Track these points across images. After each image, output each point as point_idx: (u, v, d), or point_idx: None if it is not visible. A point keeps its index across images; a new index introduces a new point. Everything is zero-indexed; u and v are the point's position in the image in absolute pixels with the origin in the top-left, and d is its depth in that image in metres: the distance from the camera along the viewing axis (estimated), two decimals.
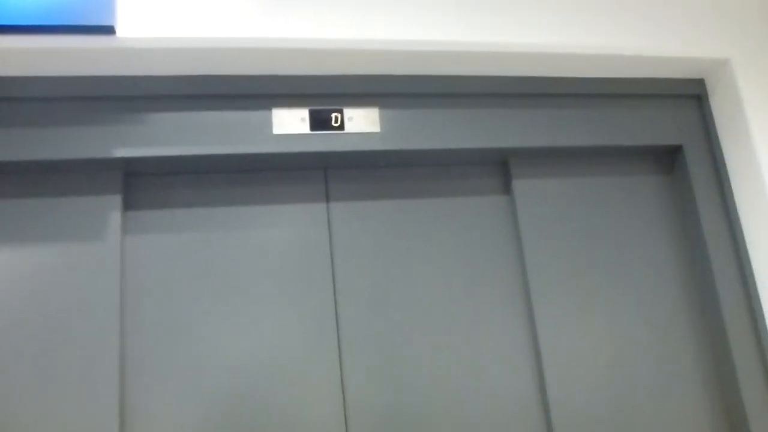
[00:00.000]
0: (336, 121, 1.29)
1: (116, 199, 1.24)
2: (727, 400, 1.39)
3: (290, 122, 1.29)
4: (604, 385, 1.35)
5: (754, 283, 1.40)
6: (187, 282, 1.26)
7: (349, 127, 1.30)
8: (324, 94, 1.32)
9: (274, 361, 1.28)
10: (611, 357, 1.38)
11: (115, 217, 1.23)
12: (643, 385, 1.37)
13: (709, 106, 1.51)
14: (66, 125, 1.23)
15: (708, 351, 1.43)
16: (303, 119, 1.29)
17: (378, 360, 1.31)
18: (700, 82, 1.52)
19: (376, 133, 1.32)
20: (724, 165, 1.47)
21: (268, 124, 1.28)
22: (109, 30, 1.15)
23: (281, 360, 1.28)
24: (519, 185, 1.41)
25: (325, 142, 1.29)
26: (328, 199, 1.35)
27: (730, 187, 1.46)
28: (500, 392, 1.33)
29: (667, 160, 1.52)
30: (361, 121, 1.31)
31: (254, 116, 1.28)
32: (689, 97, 1.52)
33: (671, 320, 1.43)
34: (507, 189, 1.44)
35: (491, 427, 1.31)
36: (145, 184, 1.29)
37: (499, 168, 1.45)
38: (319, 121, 1.29)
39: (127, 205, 1.26)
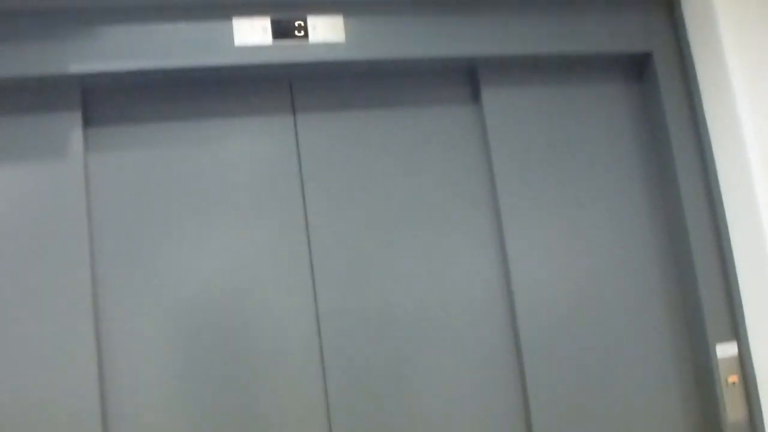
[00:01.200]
0: (299, 31, 1.26)
1: (76, 116, 1.21)
2: (686, 294, 1.44)
3: (252, 32, 1.25)
4: (568, 287, 1.39)
5: (719, 191, 1.42)
6: (154, 198, 1.25)
7: (313, 37, 1.27)
8: (286, 2, 1.27)
9: (246, 276, 1.29)
10: (576, 262, 1.41)
11: (77, 134, 1.20)
12: (605, 286, 1.41)
13: (680, 12, 1.49)
14: (20, 41, 1.18)
15: (669, 254, 1.46)
16: (265, 29, 1.25)
17: (349, 269, 1.33)
18: None
19: (341, 42, 1.28)
20: (694, 73, 1.46)
21: (229, 34, 1.24)
22: None
23: (252, 274, 1.29)
24: (488, 94, 1.40)
25: (289, 52, 1.26)
26: (294, 111, 1.33)
27: (699, 94, 1.46)
28: (468, 296, 1.36)
29: (636, 68, 1.51)
30: (325, 30, 1.27)
31: (214, 27, 1.24)
32: (659, 3, 1.49)
33: (636, 227, 1.46)
34: (476, 98, 1.42)
35: (459, 329, 1.36)
36: (105, 100, 1.26)
37: (467, 77, 1.43)
38: (282, 31, 1.25)
39: (88, 122, 1.24)
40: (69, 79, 1.20)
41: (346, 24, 1.29)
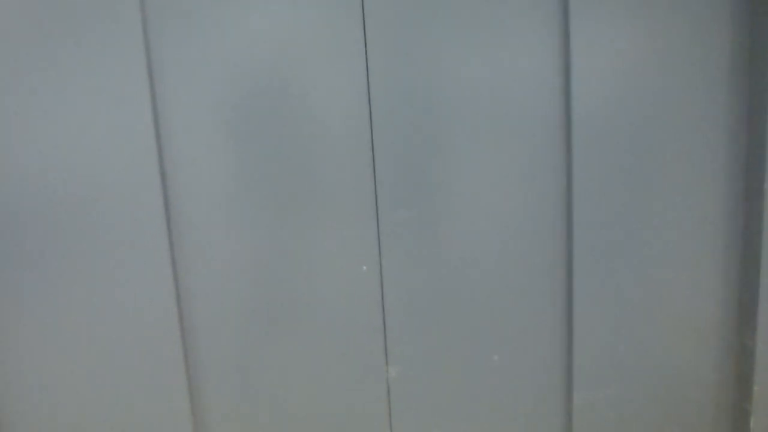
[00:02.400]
0: None
1: None
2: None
3: None
4: (627, 84, 1.61)
5: None
6: None
7: None
8: None
9: (300, 42, 1.52)
10: (640, 63, 1.60)
11: None
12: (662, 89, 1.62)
13: None
14: None
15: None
16: None
17: (401, 41, 1.55)
18: None
19: None
20: None
21: None
22: None
23: (307, 40, 1.52)
24: None
25: None
26: None
27: None
28: (523, 83, 1.60)
29: None
30: None
31: None
32: None
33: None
34: None
35: (509, 114, 1.60)
36: None
37: None
38: None
39: None
40: None
41: None
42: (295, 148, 1.59)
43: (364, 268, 1.69)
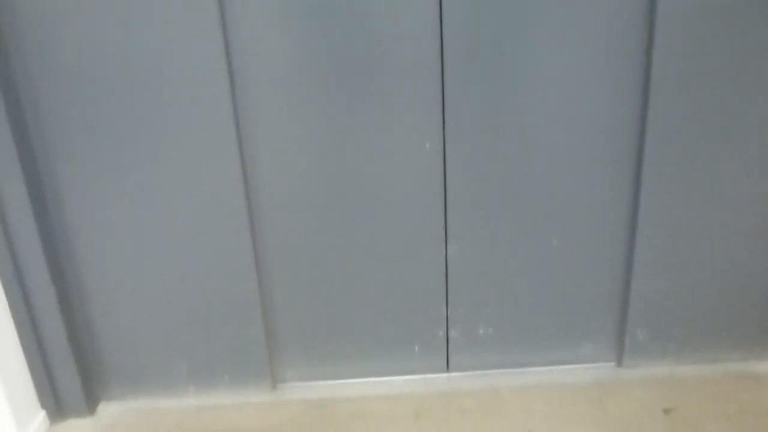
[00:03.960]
0: None
1: None
2: None
3: None
4: None
5: None
6: None
7: None
8: None
9: None
10: None
11: None
12: None
13: None
14: None
15: None
16: None
17: None
18: None
19: None
20: None
21: None
22: None
23: None
24: None
25: None
26: None
27: None
28: None
29: None
30: None
31: None
32: None
33: None
34: None
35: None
36: None
37: None
38: None
39: None
40: None
41: None
42: (360, 24, 1.58)
43: (427, 145, 1.70)
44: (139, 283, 1.82)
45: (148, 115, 1.64)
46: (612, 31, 1.62)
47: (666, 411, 1.75)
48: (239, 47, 1.59)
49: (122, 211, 1.74)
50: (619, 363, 1.96)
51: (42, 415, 1.84)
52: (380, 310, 1.89)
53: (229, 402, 1.91)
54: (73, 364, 1.82)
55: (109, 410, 1.92)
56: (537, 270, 1.86)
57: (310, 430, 1.77)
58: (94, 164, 1.68)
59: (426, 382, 1.95)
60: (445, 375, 1.97)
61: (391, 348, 1.94)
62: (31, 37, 1.55)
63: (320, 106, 1.67)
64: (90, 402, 1.89)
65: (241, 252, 1.78)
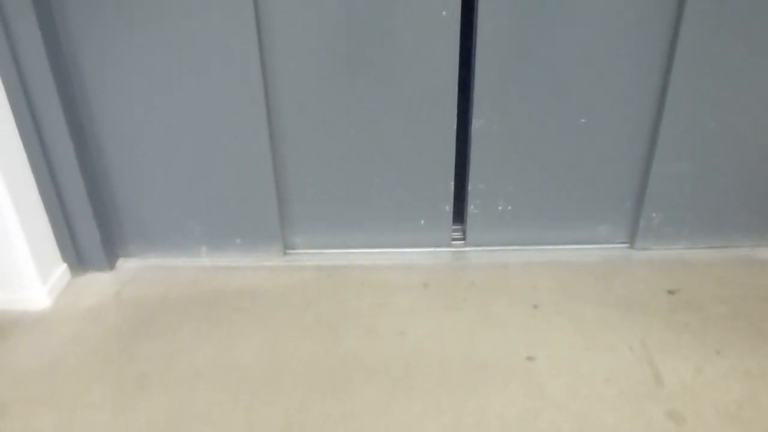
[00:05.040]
0: None
1: None
2: None
3: None
4: None
5: None
6: None
7: None
8: None
9: None
10: None
11: None
12: None
13: None
14: None
15: None
16: None
17: None
18: None
19: None
20: None
21: None
22: None
23: None
24: None
25: None
26: None
27: None
28: None
29: None
30: None
31: None
32: None
33: None
34: None
35: None
36: None
37: None
38: None
39: None
40: None
41: None
42: None
43: (444, 13, 1.60)
44: (155, 144, 1.81)
45: None
46: None
47: (670, 292, 1.79)
48: None
49: (139, 73, 1.70)
50: (632, 245, 1.98)
51: (63, 267, 1.91)
52: (390, 182, 1.89)
53: (242, 264, 1.97)
54: (92, 219, 1.86)
55: (127, 266, 1.99)
56: (561, 149, 1.83)
57: (321, 294, 1.83)
58: (112, 22, 1.62)
59: (436, 255, 1.99)
60: (454, 249, 2.01)
61: (400, 220, 1.96)
62: None
63: None
64: (109, 257, 1.96)
65: (254, 117, 1.75)
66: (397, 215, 1.95)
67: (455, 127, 1.79)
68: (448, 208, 1.93)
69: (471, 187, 1.89)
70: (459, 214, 2.00)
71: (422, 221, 1.96)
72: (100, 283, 1.92)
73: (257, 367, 1.57)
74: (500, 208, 1.92)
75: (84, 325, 1.74)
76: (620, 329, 1.65)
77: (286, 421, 1.41)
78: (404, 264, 1.95)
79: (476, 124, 1.78)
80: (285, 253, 2.00)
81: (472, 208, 1.93)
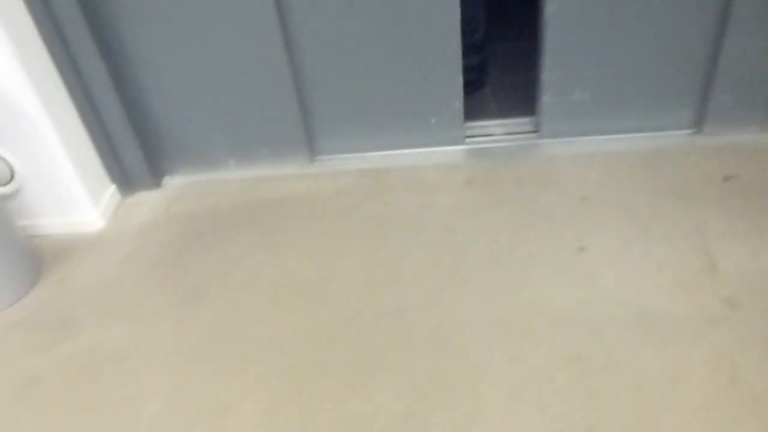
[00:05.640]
0: None
1: None
2: None
3: None
4: None
5: None
6: None
7: None
8: None
9: None
10: None
11: None
12: None
13: None
14: None
15: None
16: None
17: None
18: None
19: None
20: None
21: None
22: None
23: None
24: None
25: None
26: None
27: None
28: None
29: None
30: None
31: None
32: None
33: None
34: None
35: None
36: None
37: None
38: None
39: None
40: None
41: None
42: None
43: None
44: (182, 62, 1.80)
45: None
46: None
47: (725, 178, 1.72)
48: None
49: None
50: (700, 130, 1.88)
51: (112, 189, 1.95)
52: (411, 81, 1.84)
53: (277, 173, 1.97)
54: (134, 140, 1.88)
55: (173, 183, 2.02)
56: (633, 32, 1.72)
57: (365, 197, 1.82)
58: None
59: (477, 152, 1.95)
60: (497, 144, 1.96)
61: (410, 121, 1.93)
62: None
63: None
64: (155, 176, 1.99)
65: (270, 29, 1.71)
66: (410, 115, 1.91)
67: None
68: (458, 104, 1.88)
69: (546, 75, 1.81)
70: (530, 105, 1.94)
71: (433, 119, 1.92)
72: (148, 201, 1.96)
73: (309, 271, 1.60)
74: (575, 96, 1.85)
75: (138, 242, 1.79)
76: (674, 217, 1.60)
77: (340, 321, 1.45)
78: (444, 163, 1.92)
79: (550, 9, 1.69)
80: (313, 161, 1.99)
81: (546, 98, 1.85)
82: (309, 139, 1.95)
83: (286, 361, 1.37)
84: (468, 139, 1.97)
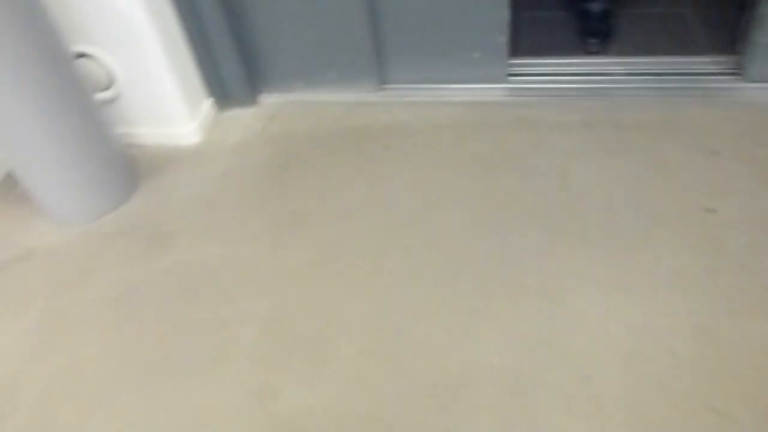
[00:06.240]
0: None
1: None
2: None
3: None
4: None
5: None
6: None
7: None
8: None
9: None
10: None
11: None
12: None
13: None
14: None
15: None
16: None
17: None
18: None
19: None
20: None
21: None
22: None
23: None
24: None
25: None
26: None
27: None
28: None
29: None
30: None
31: None
32: None
33: None
34: None
35: None
36: None
37: None
38: None
39: None
40: None
41: None
42: None
43: None
44: None
45: None
46: None
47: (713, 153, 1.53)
48: None
49: None
50: None
51: (210, 102, 1.90)
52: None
53: (390, 100, 1.87)
54: (234, 52, 1.80)
55: (270, 101, 1.95)
56: None
57: (473, 131, 1.71)
58: None
59: (591, 91, 1.79)
60: (634, 85, 1.78)
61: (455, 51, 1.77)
62: None
63: None
64: (253, 92, 1.92)
65: None
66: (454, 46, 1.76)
67: None
68: (503, 38, 1.73)
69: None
70: (731, 44, 1.76)
71: (475, 55, 1.78)
72: (244, 118, 1.90)
73: (410, 202, 1.53)
74: None
75: (235, 161, 1.76)
76: None
77: (445, 260, 1.38)
78: (560, 102, 1.77)
79: None
80: (381, 89, 1.89)
81: (759, 37, 1.63)
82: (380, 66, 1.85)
83: (384, 299, 1.33)
84: (579, 78, 1.82)
